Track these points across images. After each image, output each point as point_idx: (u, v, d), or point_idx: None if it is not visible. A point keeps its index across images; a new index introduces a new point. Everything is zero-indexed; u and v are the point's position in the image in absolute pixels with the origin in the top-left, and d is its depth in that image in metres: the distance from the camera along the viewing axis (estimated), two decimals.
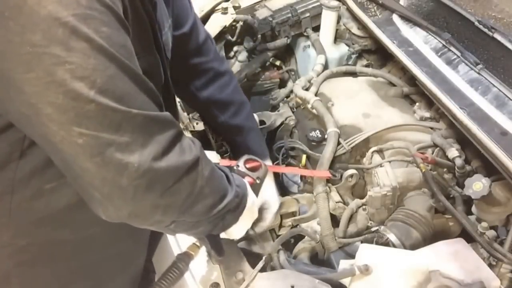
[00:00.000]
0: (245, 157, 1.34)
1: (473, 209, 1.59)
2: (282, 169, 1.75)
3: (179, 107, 1.87)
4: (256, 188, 1.30)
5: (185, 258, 1.16)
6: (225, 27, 2.08)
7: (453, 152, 1.65)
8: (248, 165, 1.32)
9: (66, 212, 1.05)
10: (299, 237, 1.66)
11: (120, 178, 0.83)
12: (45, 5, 0.74)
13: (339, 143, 1.72)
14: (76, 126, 0.79)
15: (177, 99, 1.60)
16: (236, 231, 1.19)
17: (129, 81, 0.82)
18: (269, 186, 1.50)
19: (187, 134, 1.68)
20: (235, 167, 1.29)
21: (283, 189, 1.88)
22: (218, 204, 1.03)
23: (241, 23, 2.12)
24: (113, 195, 0.85)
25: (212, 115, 1.61)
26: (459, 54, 1.72)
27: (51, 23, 0.74)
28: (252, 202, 1.21)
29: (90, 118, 0.79)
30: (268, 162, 1.62)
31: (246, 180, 1.26)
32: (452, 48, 1.76)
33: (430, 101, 1.85)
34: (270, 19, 2.17)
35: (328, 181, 1.69)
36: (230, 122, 1.60)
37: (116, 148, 0.81)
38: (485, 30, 1.66)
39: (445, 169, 1.69)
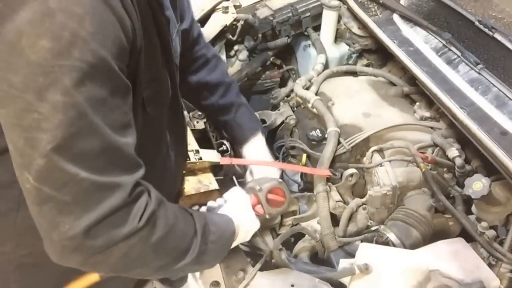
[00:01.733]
0: (273, 182, 1.26)
1: (473, 208, 1.60)
2: (282, 165, 1.75)
3: None
4: (260, 220, 1.26)
5: None
6: (225, 26, 2.08)
7: (453, 151, 1.65)
8: (270, 196, 1.24)
9: None
10: (299, 236, 1.66)
11: (51, 233, 0.84)
12: (37, 51, 0.74)
13: (339, 143, 1.72)
14: (26, 172, 0.80)
15: None
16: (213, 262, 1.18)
17: (92, 141, 0.81)
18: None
19: (188, 134, 1.68)
20: (257, 188, 1.23)
21: None
22: (171, 265, 1.01)
23: (241, 22, 2.12)
24: (46, 241, 0.87)
25: (202, 97, 1.65)
26: (459, 54, 1.72)
27: (35, 70, 0.75)
28: (246, 231, 1.22)
29: (38, 171, 0.80)
30: (261, 137, 1.64)
31: (257, 209, 1.22)
32: (452, 48, 1.77)
33: (430, 101, 1.85)
34: (271, 18, 2.18)
35: (328, 180, 1.69)
36: (220, 102, 1.64)
37: (55, 205, 0.82)
38: (486, 30, 1.66)
39: (445, 169, 1.70)
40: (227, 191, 1.31)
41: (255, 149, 1.60)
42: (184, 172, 1.51)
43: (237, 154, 1.73)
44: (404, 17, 2.01)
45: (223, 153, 1.67)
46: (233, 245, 1.20)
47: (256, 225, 1.26)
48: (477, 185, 1.47)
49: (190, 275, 1.30)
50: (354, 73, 2.19)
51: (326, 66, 2.19)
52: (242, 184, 1.66)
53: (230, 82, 1.67)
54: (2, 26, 0.74)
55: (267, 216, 1.24)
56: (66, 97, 0.76)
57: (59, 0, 0.73)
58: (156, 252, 0.96)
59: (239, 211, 1.22)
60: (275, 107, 2.26)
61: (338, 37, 2.32)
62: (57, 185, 0.81)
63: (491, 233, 1.47)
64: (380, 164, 1.66)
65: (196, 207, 1.42)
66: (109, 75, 0.81)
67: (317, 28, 2.31)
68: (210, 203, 1.29)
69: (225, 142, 1.73)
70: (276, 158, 1.84)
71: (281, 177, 1.89)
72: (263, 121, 2.04)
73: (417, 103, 1.94)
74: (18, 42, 0.73)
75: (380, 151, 1.72)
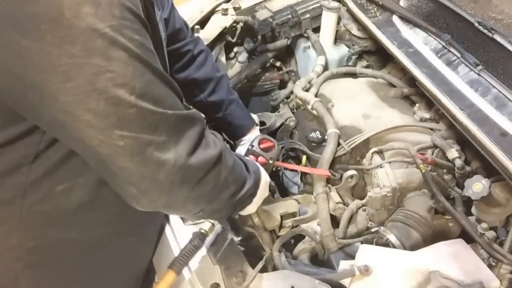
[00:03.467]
0: (259, 137, 1.42)
1: (473, 210, 1.60)
2: (282, 165, 1.75)
3: None
4: (268, 168, 1.40)
5: (200, 236, 1.25)
6: (225, 28, 2.08)
7: (453, 153, 1.65)
8: (262, 146, 1.41)
9: (75, 213, 1.07)
10: (299, 238, 1.66)
11: (158, 174, 0.89)
12: (83, 18, 0.77)
13: (339, 144, 1.73)
14: (118, 130, 0.84)
15: None
16: (250, 209, 1.27)
17: (161, 84, 0.89)
18: None
19: None
20: (249, 147, 1.38)
21: (283, 190, 1.88)
22: (240, 191, 1.12)
23: (241, 24, 2.12)
24: (150, 189, 0.91)
25: (191, 94, 1.67)
26: (459, 55, 1.73)
27: (90, 35, 0.78)
28: (265, 182, 1.29)
29: (131, 121, 0.84)
30: (255, 130, 1.73)
31: (260, 159, 1.36)
32: (452, 49, 1.77)
33: (430, 102, 1.85)
34: (270, 20, 2.18)
35: (328, 181, 1.69)
36: (209, 99, 1.66)
37: (155, 147, 0.88)
38: (485, 31, 1.67)
39: (445, 170, 1.70)
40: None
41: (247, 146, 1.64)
42: None
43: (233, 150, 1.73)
44: (403, 18, 2.02)
45: None
46: (258, 195, 1.25)
47: (267, 177, 1.33)
48: (477, 186, 1.47)
49: (190, 276, 1.30)
50: (353, 75, 2.19)
51: (325, 67, 2.19)
52: None
53: (219, 78, 1.68)
54: (38, 5, 0.76)
55: (270, 161, 1.39)
56: (128, 52, 0.81)
57: None
58: (232, 175, 1.07)
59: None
60: (274, 108, 2.26)
61: (338, 38, 2.32)
62: (151, 128, 0.87)
63: (491, 234, 1.47)
64: (380, 166, 1.67)
65: None
66: (146, 28, 0.87)
67: (316, 30, 2.31)
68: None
69: (224, 136, 1.74)
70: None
71: (281, 179, 1.90)
72: (263, 123, 2.04)
73: (417, 105, 1.95)
74: (61, 16, 0.76)
75: (380, 152, 1.72)
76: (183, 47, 1.62)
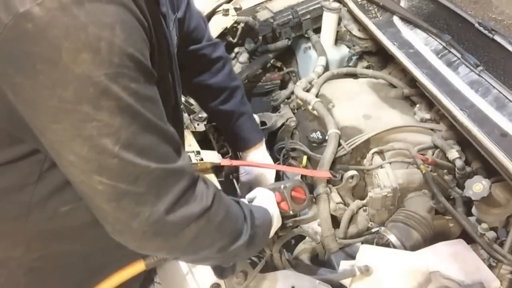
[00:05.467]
0: (298, 182, 1.36)
1: (473, 210, 1.60)
2: (283, 168, 1.75)
3: None
4: (286, 216, 1.34)
5: None
6: (226, 28, 2.09)
7: (453, 153, 1.65)
8: (294, 193, 1.33)
9: (79, 229, 1.08)
10: (299, 238, 1.66)
11: (131, 222, 0.88)
12: (80, 64, 0.76)
13: (339, 144, 1.73)
14: (97, 175, 0.83)
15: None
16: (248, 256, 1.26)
17: (151, 134, 0.86)
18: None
19: (189, 136, 1.68)
20: (282, 186, 1.31)
21: None
22: (230, 245, 1.05)
23: (242, 24, 2.13)
24: (123, 232, 0.91)
25: (203, 100, 1.64)
26: (459, 56, 1.73)
27: (83, 82, 0.77)
28: (273, 230, 1.27)
29: (111, 170, 0.83)
30: (259, 149, 1.66)
31: (283, 205, 1.30)
32: (452, 50, 1.77)
33: (430, 103, 1.86)
34: (271, 20, 2.18)
35: (328, 182, 1.70)
36: (221, 108, 1.61)
37: (132, 197, 0.86)
38: (486, 32, 1.67)
39: (445, 171, 1.70)
40: (251, 191, 1.36)
41: (253, 159, 1.62)
42: None
43: (238, 155, 1.73)
44: (404, 19, 2.02)
45: (224, 155, 1.67)
46: (258, 244, 1.21)
47: (279, 221, 1.30)
48: (477, 186, 1.48)
49: (191, 276, 1.30)
50: (354, 75, 2.20)
51: (326, 68, 2.19)
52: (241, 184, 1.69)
53: (235, 87, 1.63)
54: (37, 45, 0.75)
55: (291, 212, 1.32)
56: (119, 101, 0.80)
57: (88, 14, 0.75)
58: (219, 232, 1.01)
59: (268, 207, 1.26)
60: (275, 109, 2.26)
61: (339, 39, 2.32)
62: (131, 179, 0.85)
63: (491, 234, 1.47)
64: (381, 166, 1.67)
65: None
66: (146, 74, 0.85)
67: (317, 30, 2.31)
68: (250, 195, 1.34)
69: (225, 144, 1.74)
70: (277, 160, 1.84)
71: (281, 179, 1.90)
72: (264, 123, 2.04)
73: (417, 105, 1.95)
74: (59, 58, 0.75)
75: (380, 153, 1.72)
76: (199, 50, 1.56)
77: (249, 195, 1.33)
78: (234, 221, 1.07)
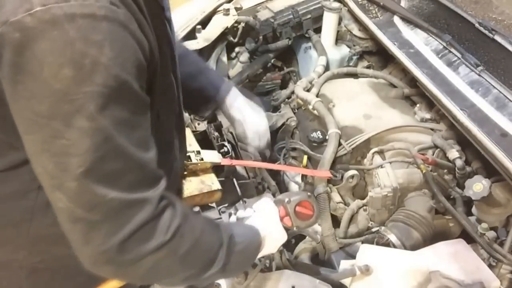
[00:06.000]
0: (304, 196, 1.26)
1: (473, 210, 1.60)
2: (283, 168, 1.76)
3: None
4: (290, 233, 1.27)
5: None
6: (227, 28, 2.09)
7: (454, 153, 1.66)
8: (298, 209, 1.24)
9: None
10: (300, 238, 1.67)
11: (85, 247, 0.87)
12: (60, 79, 0.74)
13: (340, 144, 1.73)
14: (59, 193, 0.82)
15: None
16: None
17: (119, 161, 0.83)
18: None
19: (190, 135, 1.68)
20: (286, 199, 1.24)
21: (284, 190, 1.89)
22: (198, 275, 1.02)
23: (242, 24, 2.13)
24: (77, 252, 0.89)
25: None
26: (459, 55, 1.73)
27: (60, 98, 0.75)
28: (277, 247, 1.24)
29: (69, 193, 0.82)
30: (235, 91, 1.50)
31: (285, 220, 1.22)
32: (452, 50, 1.77)
33: (430, 103, 1.86)
34: (272, 20, 2.18)
35: (329, 181, 1.70)
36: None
37: (86, 224, 0.84)
38: (486, 32, 1.67)
39: (445, 170, 1.70)
40: (256, 202, 1.31)
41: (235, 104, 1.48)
42: (185, 172, 1.51)
43: (238, 155, 1.74)
44: (404, 19, 2.02)
45: (224, 154, 1.68)
46: (259, 255, 1.20)
47: (283, 237, 1.24)
48: (477, 186, 1.48)
49: None
50: (354, 75, 2.20)
51: (327, 68, 2.20)
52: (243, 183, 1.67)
53: (184, 52, 1.49)
54: (21, 56, 0.74)
55: (294, 229, 1.25)
56: (92, 122, 0.77)
57: (78, 29, 0.74)
58: (183, 264, 0.97)
59: (267, 222, 1.22)
60: (276, 109, 2.27)
61: (339, 39, 2.33)
62: (88, 206, 0.83)
63: (491, 234, 1.48)
64: (381, 166, 1.67)
65: (224, 216, 1.45)
66: (131, 96, 0.82)
67: (318, 30, 2.31)
68: (240, 213, 1.30)
69: (226, 144, 1.74)
70: (277, 159, 1.84)
71: (282, 178, 1.90)
72: None
73: (418, 105, 1.95)
74: (40, 71, 0.74)
75: (380, 152, 1.72)
76: None
77: (248, 210, 1.29)
78: (205, 251, 1.02)
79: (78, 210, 0.83)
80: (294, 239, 1.66)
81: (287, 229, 1.24)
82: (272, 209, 1.24)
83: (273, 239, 1.21)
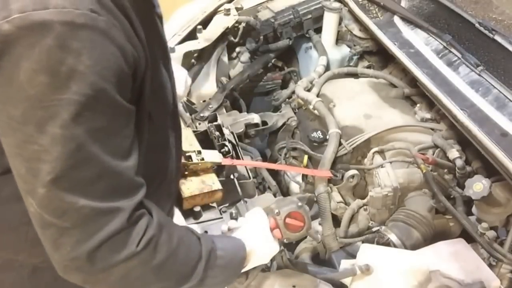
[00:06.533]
0: (294, 207, 1.22)
1: (474, 209, 1.60)
2: (284, 167, 1.76)
3: (181, 108, 1.89)
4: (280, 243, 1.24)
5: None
6: (227, 28, 2.10)
7: (454, 153, 1.66)
8: (289, 220, 1.21)
9: None
10: None
11: (55, 253, 0.87)
12: (35, 86, 0.74)
13: (340, 144, 1.74)
14: (30, 198, 0.83)
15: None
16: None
17: (91, 170, 0.82)
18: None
19: (191, 135, 1.69)
20: (276, 212, 1.21)
21: (285, 189, 1.89)
22: (174, 287, 1.02)
23: (243, 24, 2.14)
24: (50, 256, 0.89)
25: None
26: (459, 55, 1.73)
27: (34, 104, 0.75)
28: (268, 259, 1.23)
29: (39, 199, 0.82)
30: None
31: (275, 232, 1.20)
32: (453, 50, 1.77)
33: (431, 102, 1.86)
34: (272, 20, 2.19)
35: (329, 181, 1.70)
36: None
37: (56, 230, 0.84)
38: (486, 32, 1.67)
39: (445, 170, 1.70)
40: (249, 211, 1.29)
41: None
42: (186, 172, 1.52)
43: (239, 155, 1.74)
44: (405, 19, 2.02)
45: (225, 154, 1.68)
46: (246, 268, 1.19)
47: (274, 248, 1.22)
48: (478, 186, 1.48)
49: None
50: (355, 75, 2.20)
51: (327, 68, 2.20)
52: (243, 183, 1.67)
53: None
54: (0, 59, 0.74)
55: (285, 241, 1.23)
56: (65, 130, 0.77)
57: (55, 36, 0.73)
58: (156, 276, 0.97)
59: (256, 235, 1.21)
60: (276, 108, 2.27)
61: (339, 39, 2.33)
62: (57, 213, 0.83)
63: (491, 233, 1.48)
64: (381, 165, 1.67)
65: (225, 215, 1.44)
66: (109, 104, 0.81)
67: (318, 30, 2.32)
68: (230, 224, 1.29)
69: (227, 143, 1.74)
70: (278, 159, 1.85)
71: (282, 178, 1.90)
72: (265, 123, 2.05)
73: (418, 105, 1.95)
74: (16, 77, 0.74)
75: (381, 152, 1.73)
76: None
77: (240, 220, 1.28)
78: (181, 264, 1.01)
79: (48, 216, 0.83)
80: None
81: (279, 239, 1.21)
82: (263, 220, 1.22)
83: (263, 251, 1.20)
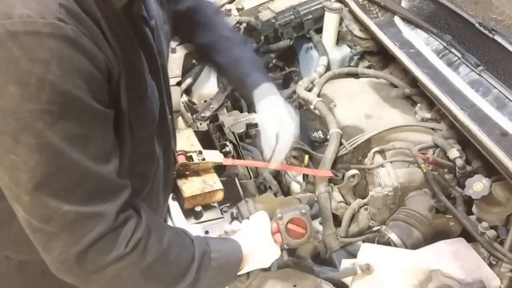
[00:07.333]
0: (297, 213, 1.21)
1: (474, 209, 1.61)
2: (285, 167, 1.76)
3: (182, 108, 1.89)
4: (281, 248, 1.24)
5: None
6: None
7: (454, 152, 1.66)
8: (290, 226, 1.20)
9: None
10: None
11: (46, 255, 0.89)
12: (6, 97, 0.75)
13: (341, 144, 1.74)
14: (17, 204, 0.84)
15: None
16: None
17: (72, 176, 0.83)
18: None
19: (192, 135, 1.69)
20: (278, 216, 1.21)
21: (285, 189, 1.89)
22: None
23: (244, 24, 2.14)
24: (43, 257, 0.90)
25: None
26: (460, 55, 1.74)
27: (7, 115, 0.76)
28: (268, 263, 1.23)
29: (25, 206, 0.83)
30: (268, 84, 1.41)
31: (276, 237, 1.20)
32: (453, 50, 1.78)
33: (431, 102, 1.87)
34: (273, 21, 2.19)
35: (330, 181, 1.71)
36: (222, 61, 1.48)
37: (44, 234, 0.86)
38: (486, 32, 1.68)
39: (446, 170, 1.71)
40: (253, 214, 1.30)
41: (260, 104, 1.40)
42: (187, 172, 1.52)
43: (240, 155, 1.74)
44: (405, 19, 2.03)
45: (226, 154, 1.68)
46: (244, 271, 1.19)
47: (275, 252, 1.22)
48: (478, 185, 1.49)
49: None
50: (355, 75, 2.21)
51: (328, 68, 2.20)
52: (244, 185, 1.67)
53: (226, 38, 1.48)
54: None
55: (285, 246, 1.22)
56: (40, 139, 0.78)
57: (21, 47, 0.73)
58: (147, 277, 0.98)
59: (257, 238, 1.21)
60: None
61: (340, 39, 2.33)
62: (43, 219, 0.84)
63: (491, 233, 1.48)
64: (382, 165, 1.68)
65: (226, 215, 1.44)
66: (84, 111, 0.81)
67: (319, 31, 2.33)
68: (230, 226, 1.30)
69: (227, 143, 1.75)
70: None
71: (283, 178, 1.91)
72: None
73: (418, 105, 1.96)
74: None
75: (381, 152, 1.73)
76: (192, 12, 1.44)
77: (244, 222, 1.29)
78: (172, 265, 1.01)
79: (35, 221, 0.85)
80: None
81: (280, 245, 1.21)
82: (265, 224, 1.23)
83: (262, 253, 1.20)
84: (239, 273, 1.19)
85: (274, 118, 1.37)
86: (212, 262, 1.07)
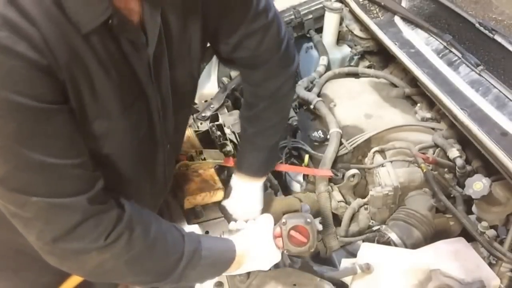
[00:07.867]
0: (301, 221, 1.20)
1: (474, 208, 1.61)
2: (285, 167, 1.76)
3: None
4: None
5: None
6: None
7: (454, 152, 1.66)
8: (293, 233, 1.20)
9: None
10: None
11: (28, 236, 0.93)
12: None
13: (341, 143, 1.74)
14: None
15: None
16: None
17: (34, 172, 0.86)
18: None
19: (192, 135, 1.69)
20: (283, 220, 1.20)
21: (286, 188, 1.90)
22: (151, 282, 1.05)
23: None
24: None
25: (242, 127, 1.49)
26: (460, 55, 1.74)
27: None
28: (268, 266, 1.25)
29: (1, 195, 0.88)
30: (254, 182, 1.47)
31: (277, 241, 1.20)
32: (453, 50, 1.78)
33: (431, 102, 1.87)
34: None
35: (330, 180, 1.71)
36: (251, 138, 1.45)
37: (20, 219, 0.91)
38: (486, 32, 1.68)
39: (446, 169, 1.71)
40: (260, 216, 1.32)
41: (241, 194, 1.48)
42: (188, 172, 1.52)
43: None
44: (405, 19, 2.03)
45: (226, 154, 1.69)
46: (243, 271, 1.21)
47: (275, 256, 1.23)
48: (478, 185, 1.49)
49: None
50: (356, 75, 2.21)
51: (328, 67, 2.21)
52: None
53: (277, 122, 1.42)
54: None
55: (285, 252, 1.23)
56: None
57: None
58: (131, 269, 1.00)
59: (257, 239, 1.22)
60: None
61: (340, 39, 2.34)
62: (19, 204, 0.88)
63: (491, 232, 1.48)
64: (382, 165, 1.68)
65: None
66: (30, 112, 0.81)
67: (319, 30, 2.33)
68: (235, 225, 1.31)
69: (228, 143, 1.75)
70: (279, 158, 1.85)
71: (284, 177, 1.91)
72: None
73: (418, 104, 1.96)
74: None
75: (381, 151, 1.73)
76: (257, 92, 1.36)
77: (249, 222, 1.30)
78: (159, 260, 1.03)
79: (11, 207, 0.89)
80: None
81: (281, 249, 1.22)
82: (268, 226, 1.24)
83: (261, 255, 1.21)
84: (238, 272, 1.21)
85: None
86: (202, 260, 1.09)
